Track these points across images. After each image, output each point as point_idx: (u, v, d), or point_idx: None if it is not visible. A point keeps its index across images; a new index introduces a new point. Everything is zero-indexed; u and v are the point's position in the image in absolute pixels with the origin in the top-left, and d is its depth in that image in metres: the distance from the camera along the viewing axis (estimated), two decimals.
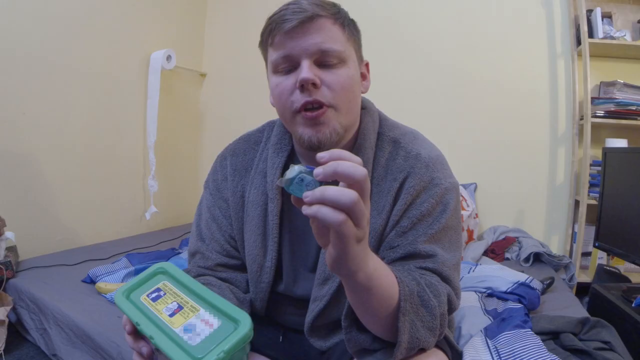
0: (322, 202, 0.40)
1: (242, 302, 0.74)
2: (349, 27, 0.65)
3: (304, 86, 0.60)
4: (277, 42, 0.62)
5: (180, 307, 0.53)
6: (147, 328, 0.50)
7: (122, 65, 2.11)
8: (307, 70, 0.60)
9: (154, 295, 0.55)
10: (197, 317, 0.51)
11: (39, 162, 1.77)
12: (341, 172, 0.40)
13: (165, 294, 0.56)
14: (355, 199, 0.40)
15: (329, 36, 0.61)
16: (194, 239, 0.79)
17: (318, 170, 0.41)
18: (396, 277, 0.54)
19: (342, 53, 0.62)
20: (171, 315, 0.52)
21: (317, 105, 0.61)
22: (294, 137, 0.69)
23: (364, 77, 0.71)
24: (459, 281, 0.66)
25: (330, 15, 0.62)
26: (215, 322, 0.51)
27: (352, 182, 0.41)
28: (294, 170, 0.43)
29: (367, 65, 0.73)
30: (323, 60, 0.62)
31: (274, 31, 0.62)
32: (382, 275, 0.51)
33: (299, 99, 0.61)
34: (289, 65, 0.62)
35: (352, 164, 0.41)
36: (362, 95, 0.73)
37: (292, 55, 0.61)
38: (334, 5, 0.64)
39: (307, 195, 0.41)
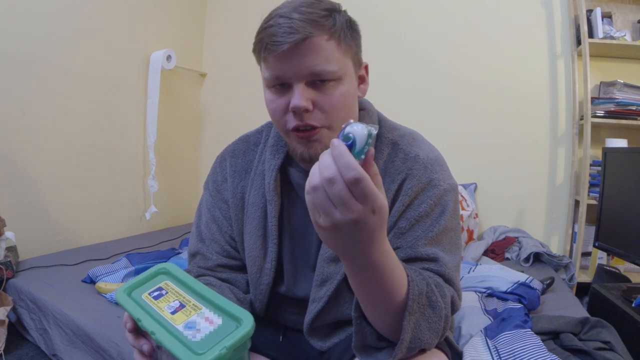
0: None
1: (243, 303, 0.74)
2: (346, 38, 0.61)
3: (296, 112, 0.60)
4: (269, 62, 0.60)
5: (182, 306, 0.53)
6: (148, 324, 0.50)
7: (122, 66, 2.11)
8: (299, 97, 0.58)
9: (155, 293, 0.55)
10: (199, 315, 0.51)
11: (39, 162, 1.77)
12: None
13: (167, 292, 0.56)
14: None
15: (322, 57, 0.58)
16: (194, 240, 0.79)
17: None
18: (408, 276, 0.53)
19: (337, 72, 0.59)
20: (173, 313, 0.52)
21: (309, 127, 0.61)
22: (289, 147, 0.71)
23: (362, 80, 0.69)
24: (460, 282, 0.66)
25: (324, 31, 0.58)
26: (217, 320, 0.51)
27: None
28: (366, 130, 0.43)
29: (366, 67, 0.70)
30: (316, 80, 0.59)
31: (264, 52, 0.59)
32: (388, 268, 0.50)
33: (291, 120, 0.61)
34: (281, 84, 0.61)
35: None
36: None
37: (284, 77, 0.59)
38: (329, 14, 0.59)
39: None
